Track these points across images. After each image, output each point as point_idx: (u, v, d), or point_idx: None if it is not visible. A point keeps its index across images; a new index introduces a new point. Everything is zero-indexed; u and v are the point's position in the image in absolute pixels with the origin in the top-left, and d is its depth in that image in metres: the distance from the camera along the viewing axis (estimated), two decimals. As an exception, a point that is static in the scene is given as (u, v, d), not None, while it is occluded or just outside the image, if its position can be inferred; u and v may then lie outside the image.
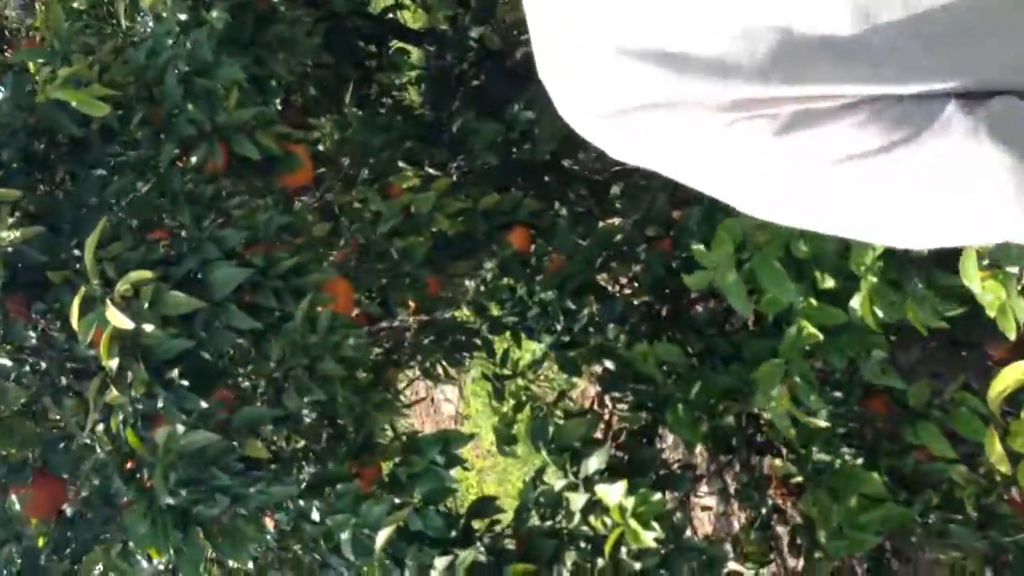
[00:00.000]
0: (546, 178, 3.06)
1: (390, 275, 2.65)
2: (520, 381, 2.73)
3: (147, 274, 1.81)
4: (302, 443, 2.07)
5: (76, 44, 1.97)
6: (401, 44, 4.09)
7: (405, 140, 3.01)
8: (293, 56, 2.71)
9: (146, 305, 1.83)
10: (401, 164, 3.04)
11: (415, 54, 4.08)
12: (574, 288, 2.52)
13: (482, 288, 2.66)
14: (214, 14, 2.46)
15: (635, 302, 2.74)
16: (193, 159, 1.95)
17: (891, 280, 2.22)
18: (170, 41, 1.97)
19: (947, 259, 2.29)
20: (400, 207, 2.69)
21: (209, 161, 1.97)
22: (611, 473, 2.22)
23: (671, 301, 2.98)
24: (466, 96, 3.49)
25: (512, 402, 2.68)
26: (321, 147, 3.37)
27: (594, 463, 2.19)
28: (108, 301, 1.78)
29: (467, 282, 2.74)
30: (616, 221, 2.91)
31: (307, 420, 2.09)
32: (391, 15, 4.26)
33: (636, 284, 2.81)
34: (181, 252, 1.93)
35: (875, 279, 2.19)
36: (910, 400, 2.31)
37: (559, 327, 2.50)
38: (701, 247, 2.16)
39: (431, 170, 3.09)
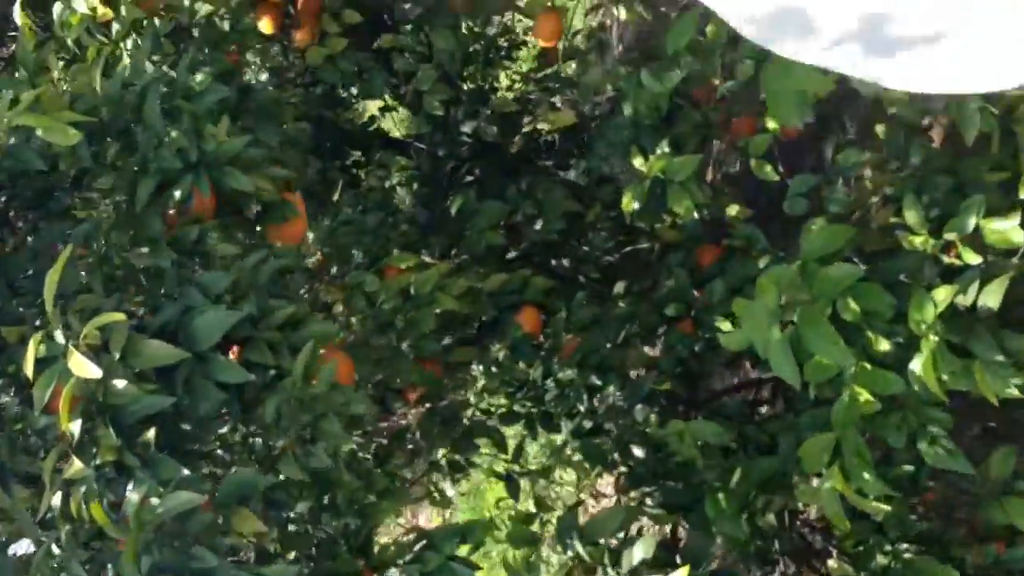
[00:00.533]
0: (553, 260, 2.80)
1: (390, 360, 2.35)
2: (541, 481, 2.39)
3: (119, 316, 1.50)
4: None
5: (46, 72, 1.72)
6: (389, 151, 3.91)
7: (400, 223, 2.76)
8: (278, 126, 2.48)
9: (117, 356, 1.51)
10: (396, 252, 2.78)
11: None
12: (596, 364, 2.22)
13: (493, 370, 2.36)
14: (198, 77, 2.23)
15: (657, 388, 2.45)
16: (176, 194, 1.67)
17: (952, 343, 1.95)
18: (150, 67, 1.72)
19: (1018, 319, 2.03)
20: (398, 288, 2.41)
21: (196, 199, 1.70)
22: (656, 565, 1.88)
23: (697, 386, 2.69)
24: (462, 190, 3.26)
25: (530, 499, 2.33)
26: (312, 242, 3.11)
27: (639, 552, 1.85)
28: (72, 348, 1.47)
29: (475, 367, 2.44)
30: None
31: (302, 506, 1.75)
32: (376, 125, 4.09)
33: (658, 369, 2.52)
34: (158, 303, 1.63)
35: (937, 339, 1.91)
36: (992, 470, 2.02)
37: (582, 408, 2.19)
38: (741, 300, 1.88)
39: (429, 259, 2.83)
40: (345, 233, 3.02)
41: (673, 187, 2.31)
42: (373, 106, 4.36)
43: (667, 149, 2.39)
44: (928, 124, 2.19)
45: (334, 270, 3.14)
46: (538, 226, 2.77)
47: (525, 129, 3.64)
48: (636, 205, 2.38)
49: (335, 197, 3.37)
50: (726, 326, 2.52)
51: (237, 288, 1.66)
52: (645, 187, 2.37)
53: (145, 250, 1.66)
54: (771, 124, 2.37)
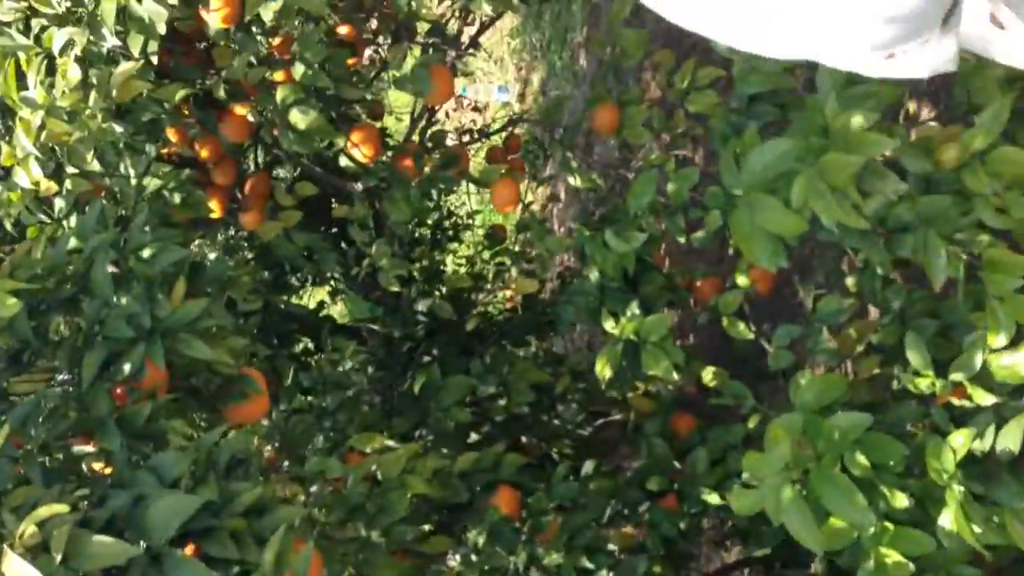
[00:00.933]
0: (524, 436, 2.62)
1: (360, 553, 2.11)
2: None
3: (62, 508, 1.28)
4: None
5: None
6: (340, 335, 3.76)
7: (360, 404, 2.56)
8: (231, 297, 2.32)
9: (59, 558, 1.28)
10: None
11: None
12: (584, 546, 2.01)
13: (472, 559, 2.12)
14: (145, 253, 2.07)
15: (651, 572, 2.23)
16: (126, 367, 1.48)
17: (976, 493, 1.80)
18: (98, 231, 1.56)
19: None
20: (364, 473, 2.20)
21: (150, 371, 1.50)
22: None
23: (687, 567, 2.48)
24: (421, 369, 3.10)
25: None
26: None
27: None
28: (7, 550, 1.23)
29: (452, 557, 2.21)
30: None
31: None
32: (325, 311, 3.95)
33: (644, 550, 2.31)
34: (105, 492, 1.40)
35: (963, 489, 1.75)
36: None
37: (575, 594, 1.97)
38: (753, 454, 1.71)
39: (391, 443, 2.62)
40: (299, 421, 2.82)
41: (647, 348, 2.18)
42: (320, 292, 4.24)
43: (637, 311, 2.27)
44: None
45: (286, 464, 2.92)
46: (504, 400, 2.60)
47: (480, 308, 3.54)
48: (609, 372, 2.24)
49: (285, 384, 3.18)
50: (712, 498, 2.34)
51: (195, 472, 1.45)
52: (618, 350, 2.24)
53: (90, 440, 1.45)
54: (741, 280, 2.29)
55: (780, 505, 1.69)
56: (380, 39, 3.12)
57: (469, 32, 3.55)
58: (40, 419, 1.48)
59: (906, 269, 2.21)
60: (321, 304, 4.03)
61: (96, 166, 1.96)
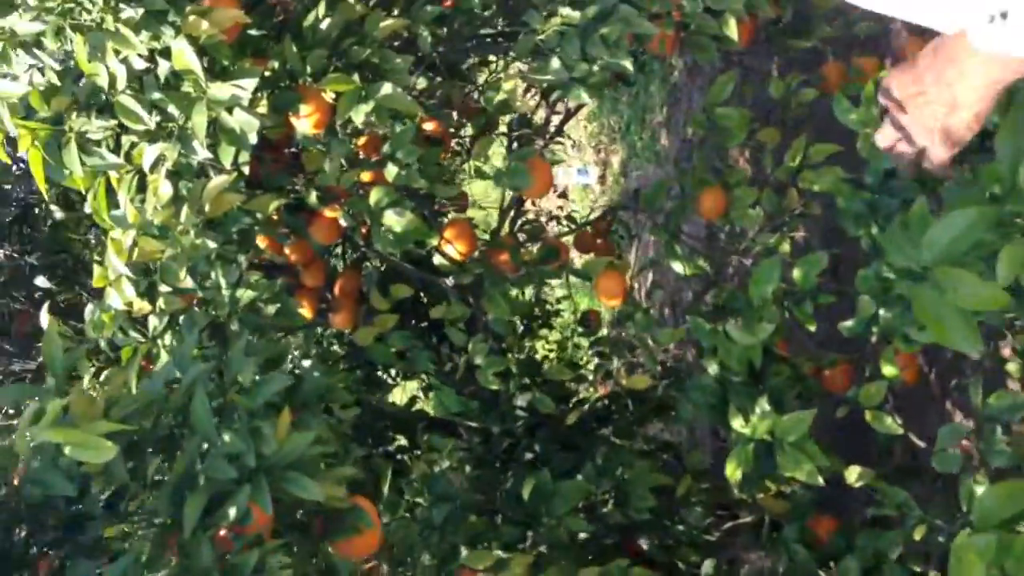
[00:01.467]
0: (644, 544, 2.40)
1: None
2: None
3: None
4: None
5: (77, 380, 1.42)
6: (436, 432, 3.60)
7: (467, 515, 2.38)
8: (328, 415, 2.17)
9: None
10: (464, 551, 2.38)
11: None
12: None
13: None
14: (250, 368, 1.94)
15: None
16: (231, 511, 1.32)
17: None
18: (195, 353, 1.42)
19: None
20: (480, 593, 2.01)
21: (255, 514, 1.34)
22: None
23: None
24: (522, 468, 2.91)
25: None
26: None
27: None
28: None
29: None
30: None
31: None
32: (418, 406, 3.80)
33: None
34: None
35: None
36: None
37: None
38: None
39: (501, 552, 2.42)
40: (401, 527, 2.63)
41: (785, 450, 1.96)
42: (412, 386, 4.10)
43: (767, 407, 2.06)
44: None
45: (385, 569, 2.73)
46: (621, 505, 2.39)
47: (580, 397, 3.35)
48: (740, 474, 2.03)
49: (384, 486, 3.01)
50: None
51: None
52: (750, 451, 2.03)
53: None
54: (888, 369, 2.06)
55: None
56: (463, 131, 3.02)
57: (554, 120, 3.43)
58: (141, 572, 1.33)
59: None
60: (413, 399, 3.88)
61: (189, 282, 1.84)
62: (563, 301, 4.73)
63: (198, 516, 1.32)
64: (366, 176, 2.38)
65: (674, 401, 2.57)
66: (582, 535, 2.38)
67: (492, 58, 2.87)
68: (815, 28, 2.47)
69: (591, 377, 3.04)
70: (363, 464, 3.36)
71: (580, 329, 3.49)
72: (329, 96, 2.12)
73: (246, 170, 2.03)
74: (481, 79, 2.87)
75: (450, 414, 3.75)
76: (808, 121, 2.58)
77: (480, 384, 2.93)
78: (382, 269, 3.35)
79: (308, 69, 2.07)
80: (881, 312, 1.85)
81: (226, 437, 1.33)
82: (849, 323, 1.81)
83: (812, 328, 2.12)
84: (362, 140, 2.49)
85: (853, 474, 2.05)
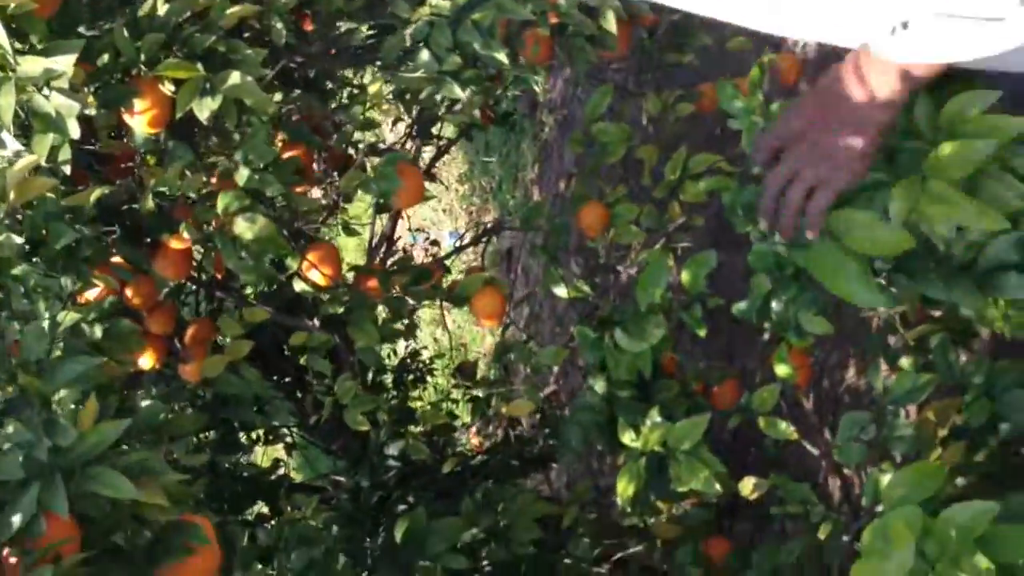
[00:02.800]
0: (531, 585, 2.13)
1: None
2: None
3: None
4: None
5: None
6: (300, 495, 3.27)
7: (330, 563, 2.07)
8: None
9: None
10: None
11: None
12: None
13: None
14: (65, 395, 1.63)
15: None
16: (15, 519, 1.01)
17: None
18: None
19: None
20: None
21: (49, 526, 1.04)
22: None
23: None
24: (393, 522, 2.62)
25: None
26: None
27: None
28: None
29: None
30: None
31: None
32: (282, 471, 3.46)
33: None
34: None
35: None
36: None
37: None
38: (865, 564, 1.27)
39: (371, 606, 2.12)
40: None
41: (679, 459, 1.76)
42: (274, 451, 3.75)
43: (658, 419, 1.87)
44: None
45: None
46: (502, 541, 2.14)
47: (457, 448, 3.10)
48: (631, 490, 1.82)
49: (238, 550, 2.66)
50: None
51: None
52: (641, 466, 1.82)
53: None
54: (781, 369, 1.90)
55: None
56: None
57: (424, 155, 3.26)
58: None
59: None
60: (276, 462, 3.54)
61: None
62: (437, 360, 4.49)
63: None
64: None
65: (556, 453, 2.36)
66: (461, 579, 2.11)
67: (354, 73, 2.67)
68: (692, 39, 2.37)
69: (468, 420, 2.79)
70: (217, 531, 3.01)
71: (455, 381, 3.26)
72: (168, 89, 1.87)
73: (67, 169, 1.74)
74: (344, 95, 2.66)
75: (317, 476, 3.42)
76: (686, 138, 2.47)
77: (347, 430, 2.65)
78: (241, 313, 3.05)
79: (143, 57, 1.82)
80: (773, 305, 1.71)
81: (10, 428, 1.04)
82: (742, 304, 1.64)
83: (702, 333, 1.95)
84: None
85: (748, 485, 1.86)
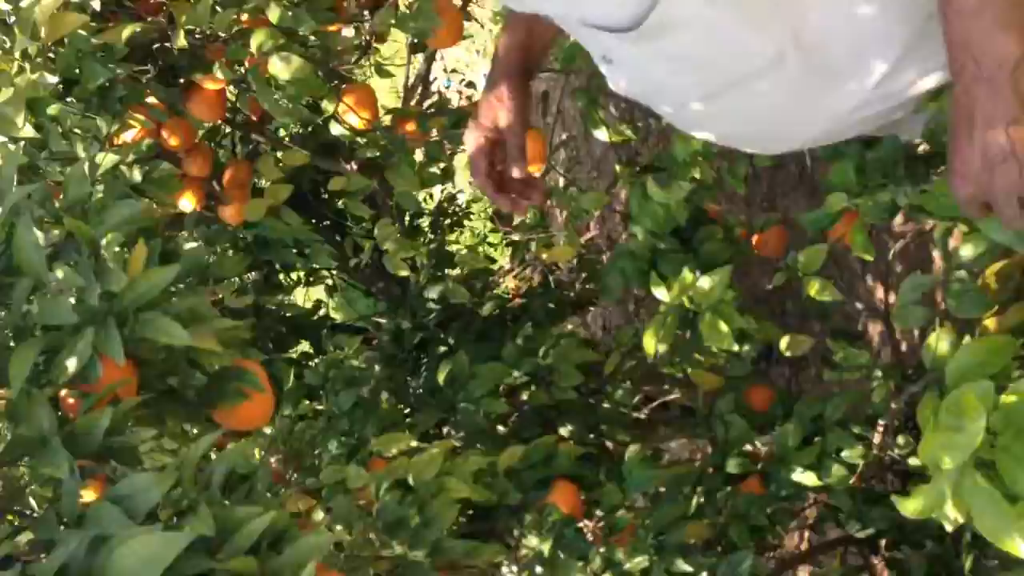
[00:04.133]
0: (567, 427, 2.16)
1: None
2: None
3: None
4: None
5: None
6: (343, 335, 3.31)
7: (376, 403, 2.10)
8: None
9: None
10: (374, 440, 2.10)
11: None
12: (677, 545, 1.57)
13: (538, 572, 1.67)
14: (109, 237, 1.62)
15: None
16: (70, 363, 1.02)
17: None
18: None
19: None
20: (393, 479, 1.75)
21: (104, 369, 1.05)
22: None
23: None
24: (434, 364, 2.64)
25: None
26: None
27: None
28: None
29: (508, 570, 1.75)
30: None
31: None
32: (323, 312, 3.49)
33: (727, 540, 1.87)
34: (53, 535, 0.95)
35: None
36: None
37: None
38: (934, 436, 1.24)
39: (416, 443, 2.16)
40: (307, 427, 2.34)
41: (704, 316, 1.73)
42: (316, 292, 3.78)
43: (689, 273, 1.82)
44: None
45: (295, 476, 2.45)
46: (542, 386, 2.15)
47: (496, 290, 3.10)
48: (662, 347, 1.79)
49: (286, 388, 2.72)
50: (809, 478, 1.90)
51: (178, 497, 1.00)
52: (670, 321, 1.79)
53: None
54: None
55: (964, 496, 1.22)
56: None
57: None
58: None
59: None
60: (318, 304, 3.57)
61: (29, 131, 1.50)
62: (473, 205, 4.46)
63: (26, 371, 1.01)
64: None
65: (596, 297, 2.33)
66: (501, 428, 2.14)
67: None
68: None
69: (507, 265, 2.78)
70: (264, 370, 3.06)
71: (492, 226, 3.23)
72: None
73: (96, 5, 1.67)
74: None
75: (358, 317, 3.45)
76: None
77: (387, 274, 2.64)
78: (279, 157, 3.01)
79: None
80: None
81: (59, 273, 1.02)
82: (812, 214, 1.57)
83: (741, 191, 1.89)
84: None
85: (786, 342, 1.84)
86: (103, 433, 1.02)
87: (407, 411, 2.30)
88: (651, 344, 1.79)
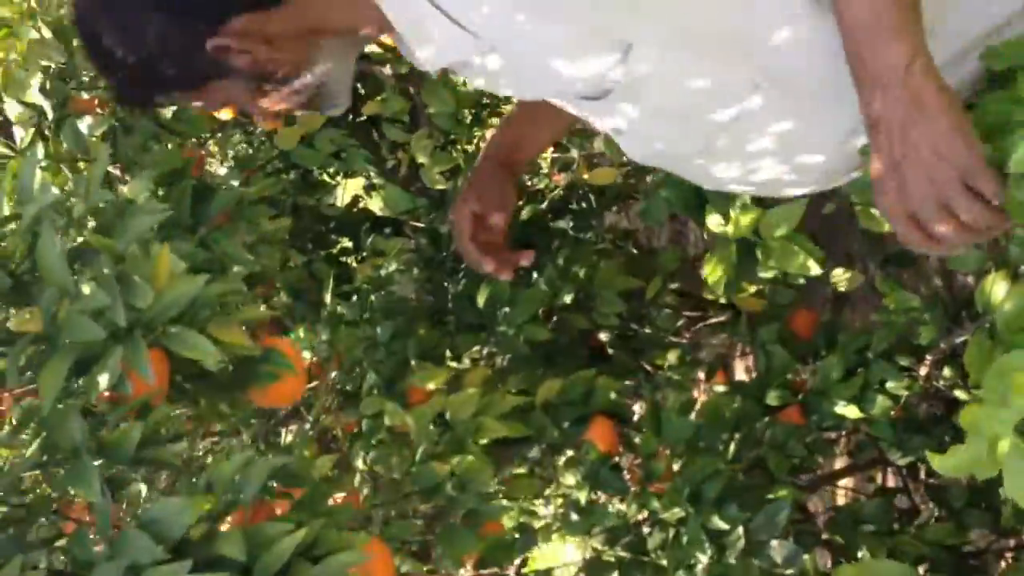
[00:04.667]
0: (611, 350, 2.15)
1: (431, 521, 1.70)
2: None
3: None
4: None
5: None
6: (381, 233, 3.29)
7: (416, 329, 2.10)
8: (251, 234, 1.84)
9: None
10: (414, 363, 2.11)
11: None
12: (718, 495, 1.57)
13: (574, 518, 1.69)
14: (135, 183, 1.59)
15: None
16: (101, 380, 1.01)
17: None
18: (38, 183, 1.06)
19: None
20: (431, 415, 1.76)
21: (134, 382, 1.04)
22: None
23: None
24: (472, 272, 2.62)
25: None
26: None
27: None
28: None
29: (542, 508, 1.79)
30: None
31: None
32: (361, 205, 3.46)
33: (768, 474, 1.87)
34: (88, 555, 0.97)
35: None
36: None
37: (704, 559, 1.53)
38: (974, 408, 1.21)
39: (454, 364, 2.17)
40: (348, 335, 2.34)
41: (772, 245, 1.67)
42: (355, 185, 3.74)
43: (749, 201, 1.75)
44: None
45: (334, 375, 2.48)
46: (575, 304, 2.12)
47: (535, 189, 3.03)
48: (722, 275, 1.75)
49: (327, 295, 2.72)
50: (851, 411, 1.88)
51: (213, 511, 1.00)
52: (732, 252, 1.74)
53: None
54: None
55: (1001, 461, 1.19)
56: None
57: None
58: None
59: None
60: (356, 199, 3.54)
61: (39, 98, 1.44)
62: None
63: (60, 384, 1.01)
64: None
65: (637, 190, 2.26)
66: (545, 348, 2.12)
67: None
68: None
69: (546, 169, 2.70)
70: (304, 270, 3.07)
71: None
72: None
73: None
74: None
75: (397, 213, 3.42)
76: None
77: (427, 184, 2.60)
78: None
79: None
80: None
81: (85, 289, 1.00)
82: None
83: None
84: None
85: (842, 277, 1.78)
86: (138, 442, 1.02)
87: (446, 332, 2.29)
88: (714, 273, 1.75)
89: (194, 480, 1.00)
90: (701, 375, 2.29)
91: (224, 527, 1.00)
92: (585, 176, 2.18)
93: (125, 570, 0.91)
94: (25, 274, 1.06)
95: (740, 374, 3.41)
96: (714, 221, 1.76)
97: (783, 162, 1.20)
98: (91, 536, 0.97)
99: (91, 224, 1.08)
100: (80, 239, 1.05)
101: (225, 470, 1.00)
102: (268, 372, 1.23)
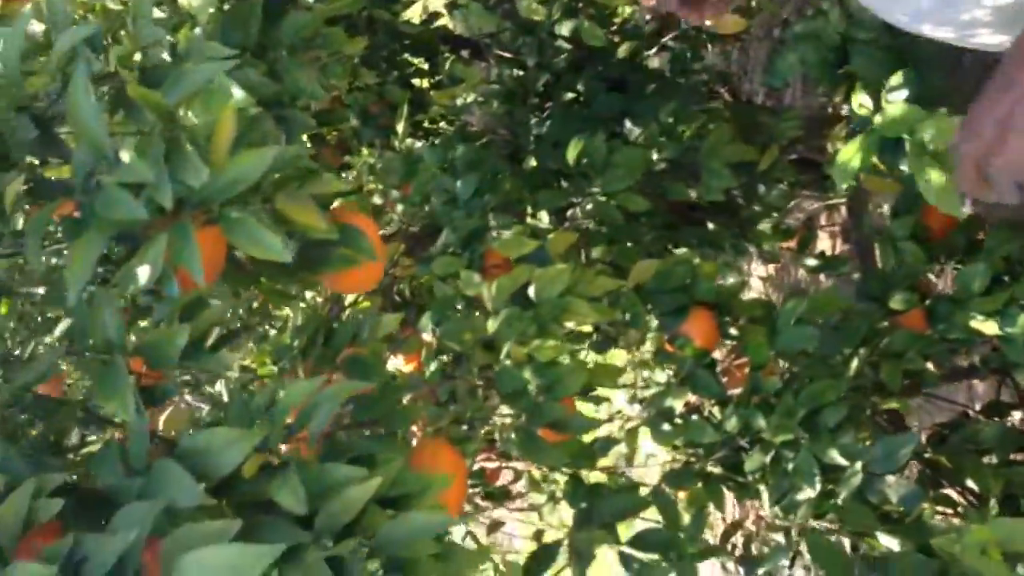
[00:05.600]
0: (711, 225, 1.90)
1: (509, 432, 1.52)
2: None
3: None
4: None
5: None
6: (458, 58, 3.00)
7: (499, 186, 1.85)
8: (327, 63, 1.58)
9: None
10: (493, 222, 1.88)
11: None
12: (835, 426, 1.36)
13: (665, 428, 1.50)
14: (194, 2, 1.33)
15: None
16: (141, 275, 0.81)
17: None
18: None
19: None
20: (511, 291, 1.55)
21: (180, 278, 0.84)
22: None
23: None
24: (564, 115, 2.35)
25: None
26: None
27: None
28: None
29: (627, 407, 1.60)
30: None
31: None
32: (439, 23, 3.14)
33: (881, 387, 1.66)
34: (106, 486, 0.79)
35: None
36: None
37: (812, 492, 1.35)
38: None
39: (535, 221, 1.94)
40: (423, 170, 2.09)
41: (919, 154, 1.39)
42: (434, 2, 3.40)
43: (907, 88, 1.46)
44: None
45: (400, 208, 2.26)
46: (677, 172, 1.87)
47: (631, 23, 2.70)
48: (855, 163, 1.48)
49: (400, 125, 2.48)
50: (989, 327, 1.64)
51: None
52: (874, 143, 1.46)
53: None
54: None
55: None
56: None
57: None
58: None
59: None
60: (434, 16, 3.22)
61: None
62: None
63: (89, 272, 0.80)
64: None
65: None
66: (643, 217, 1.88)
67: None
68: None
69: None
70: (376, 92, 2.82)
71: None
72: None
73: None
74: None
75: (478, 34, 3.10)
76: None
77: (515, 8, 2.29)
78: None
79: None
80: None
81: (125, 157, 0.78)
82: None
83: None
84: None
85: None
86: (179, 353, 0.82)
87: (526, 179, 2.04)
88: (849, 160, 1.48)
89: (247, 403, 0.80)
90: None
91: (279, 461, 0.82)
92: (707, 23, 1.87)
93: (158, 516, 0.73)
94: (54, 120, 0.84)
95: (823, 241, 3.15)
96: (859, 102, 1.47)
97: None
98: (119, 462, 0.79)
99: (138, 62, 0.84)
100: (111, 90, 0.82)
101: (293, 395, 0.81)
102: (344, 255, 1.01)
